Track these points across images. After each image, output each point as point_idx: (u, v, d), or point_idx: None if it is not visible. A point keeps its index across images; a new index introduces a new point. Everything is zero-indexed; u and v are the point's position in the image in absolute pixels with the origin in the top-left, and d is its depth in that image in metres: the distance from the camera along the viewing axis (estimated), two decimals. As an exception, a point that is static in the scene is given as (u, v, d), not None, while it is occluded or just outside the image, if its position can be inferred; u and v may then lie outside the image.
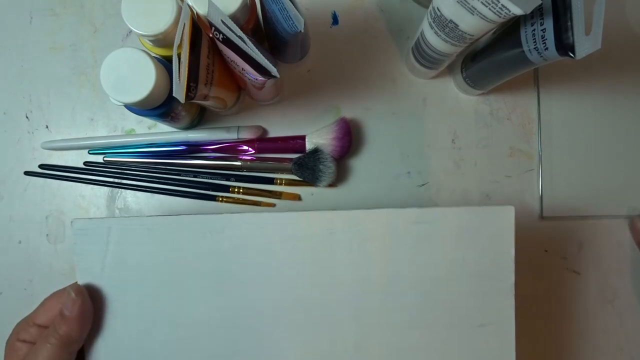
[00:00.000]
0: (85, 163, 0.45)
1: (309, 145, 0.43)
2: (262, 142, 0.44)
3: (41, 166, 0.45)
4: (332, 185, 0.44)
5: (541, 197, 0.44)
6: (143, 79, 0.33)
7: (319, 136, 0.43)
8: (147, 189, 0.44)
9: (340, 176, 0.44)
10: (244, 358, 0.35)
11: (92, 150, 0.45)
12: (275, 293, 0.35)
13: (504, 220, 0.34)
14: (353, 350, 0.35)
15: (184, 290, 0.35)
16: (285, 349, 0.35)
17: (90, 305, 0.34)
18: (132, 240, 0.35)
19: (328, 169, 0.42)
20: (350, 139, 0.43)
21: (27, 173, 0.45)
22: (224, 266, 0.35)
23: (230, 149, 0.44)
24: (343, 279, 0.35)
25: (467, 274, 0.35)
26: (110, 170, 0.45)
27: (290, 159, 0.43)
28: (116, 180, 0.45)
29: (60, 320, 0.32)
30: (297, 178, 0.43)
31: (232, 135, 0.43)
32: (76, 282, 0.34)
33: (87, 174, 0.45)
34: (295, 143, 0.44)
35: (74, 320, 0.32)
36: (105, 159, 0.45)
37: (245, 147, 0.44)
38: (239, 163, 0.44)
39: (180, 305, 0.35)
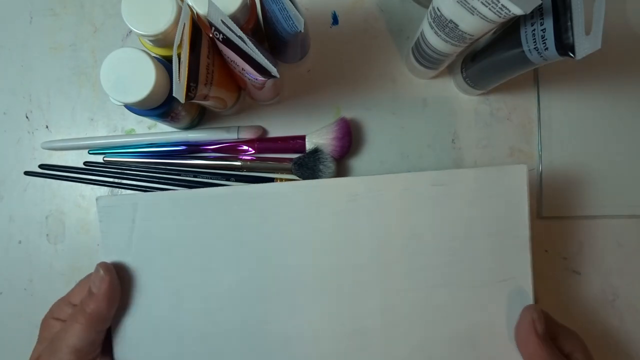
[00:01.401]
0: (85, 163, 0.45)
1: (309, 145, 0.43)
2: (262, 142, 0.44)
3: (41, 166, 0.45)
4: None
5: (541, 197, 0.44)
6: (143, 79, 0.33)
7: (319, 136, 0.43)
8: (147, 189, 0.44)
9: (340, 176, 0.44)
10: (272, 326, 0.35)
11: (92, 150, 0.45)
12: (301, 260, 0.36)
13: (517, 178, 0.36)
14: (379, 312, 0.36)
15: (210, 262, 0.36)
16: (312, 315, 0.36)
17: (118, 282, 0.34)
18: (158, 215, 0.35)
19: (328, 168, 0.42)
20: (350, 139, 0.43)
21: (27, 173, 0.45)
22: (250, 237, 0.36)
23: (230, 149, 0.44)
24: (366, 243, 0.36)
25: (485, 231, 0.36)
26: (110, 170, 0.45)
27: (290, 159, 0.43)
28: (116, 180, 0.45)
29: (88, 298, 0.33)
30: (297, 178, 0.43)
31: (232, 135, 0.43)
32: (104, 261, 0.34)
33: (87, 174, 0.45)
34: (295, 143, 0.44)
35: (101, 297, 0.32)
36: (105, 159, 0.45)
37: (245, 147, 0.44)
38: (239, 163, 0.44)
39: (208, 278, 0.36)
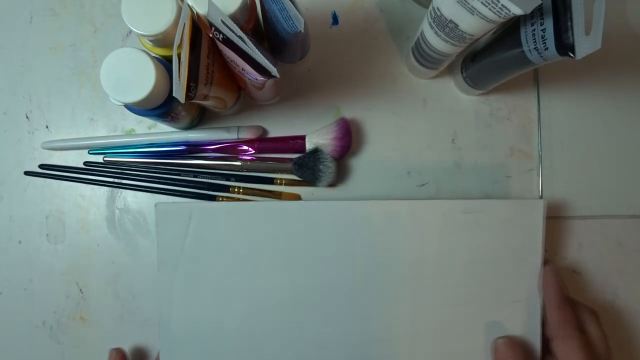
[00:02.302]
0: (85, 163, 0.45)
1: (309, 145, 0.43)
2: (262, 142, 0.44)
3: (41, 166, 0.45)
4: (332, 185, 0.44)
5: (541, 197, 0.44)
6: (143, 79, 0.32)
7: (319, 136, 0.43)
8: (147, 189, 0.44)
9: (340, 176, 0.44)
10: (310, 331, 0.39)
11: (92, 150, 0.45)
12: (340, 272, 0.39)
13: (536, 212, 0.40)
14: (407, 324, 0.39)
15: (256, 269, 0.39)
16: (347, 324, 0.39)
17: None
18: (211, 222, 0.39)
19: (328, 169, 0.42)
20: (350, 138, 0.43)
21: (27, 173, 0.45)
22: (295, 248, 0.39)
23: (230, 149, 0.44)
24: (402, 260, 0.40)
25: (504, 257, 0.40)
26: (110, 170, 0.45)
27: (290, 159, 0.43)
28: (116, 180, 0.45)
29: None
30: (297, 178, 0.43)
31: (232, 135, 0.43)
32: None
33: (87, 174, 0.45)
34: (295, 143, 0.44)
35: None
36: (105, 159, 0.45)
37: (245, 147, 0.44)
38: (238, 163, 0.44)
39: (253, 283, 0.39)
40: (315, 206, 0.40)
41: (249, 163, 0.44)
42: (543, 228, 0.40)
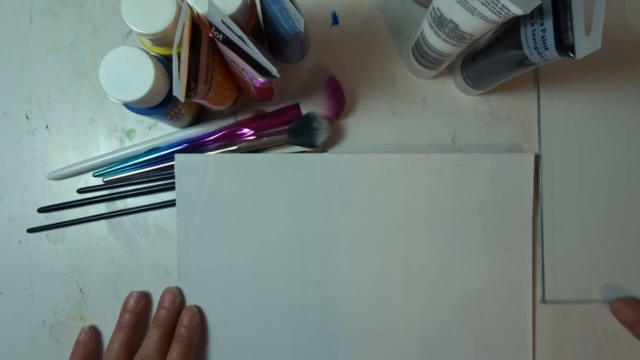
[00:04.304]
0: (78, 191, 0.45)
1: (305, 112, 0.43)
2: (259, 120, 0.44)
3: (40, 210, 0.45)
4: (328, 144, 0.44)
5: (541, 196, 0.44)
6: (142, 77, 0.32)
7: (312, 100, 0.43)
8: (151, 189, 0.44)
9: (333, 137, 0.44)
10: (312, 273, 0.42)
11: (97, 172, 0.45)
12: (339, 220, 0.42)
13: (526, 164, 0.43)
14: (402, 268, 0.43)
15: (265, 217, 0.42)
16: (345, 264, 0.42)
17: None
18: (226, 173, 0.42)
19: (321, 125, 0.42)
20: (342, 95, 0.43)
21: (30, 230, 0.45)
22: (299, 197, 0.42)
23: (231, 136, 0.44)
24: (396, 210, 0.43)
25: (495, 207, 0.43)
26: (109, 187, 0.45)
27: (285, 130, 0.44)
28: (117, 192, 0.45)
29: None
30: (299, 148, 0.44)
31: (229, 121, 0.44)
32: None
33: (87, 202, 0.45)
34: (292, 113, 0.44)
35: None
36: (105, 180, 0.44)
37: (245, 130, 0.44)
38: (235, 147, 0.44)
39: (262, 229, 0.42)
40: (318, 159, 0.43)
41: (244, 144, 0.44)
42: (533, 180, 0.43)
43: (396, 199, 0.42)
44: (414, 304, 0.42)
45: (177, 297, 0.42)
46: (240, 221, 0.42)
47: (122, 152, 0.44)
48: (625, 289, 0.44)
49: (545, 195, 0.44)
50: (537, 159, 0.44)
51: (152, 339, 0.39)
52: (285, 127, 0.44)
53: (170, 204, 0.44)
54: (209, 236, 0.42)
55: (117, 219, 0.45)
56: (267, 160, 0.43)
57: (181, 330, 0.40)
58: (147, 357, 0.38)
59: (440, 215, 0.42)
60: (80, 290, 0.45)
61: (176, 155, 0.42)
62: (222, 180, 0.42)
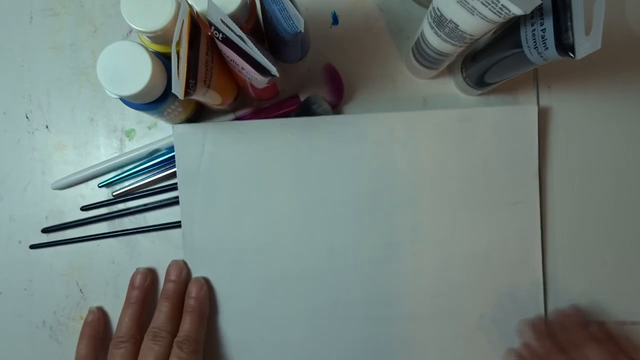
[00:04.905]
0: (82, 208, 0.45)
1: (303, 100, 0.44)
2: (258, 114, 0.44)
3: (45, 230, 0.45)
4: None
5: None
6: (139, 72, 0.32)
7: (311, 91, 0.43)
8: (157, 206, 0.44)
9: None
10: (319, 238, 0.42)
11: (102, 182, 0.45)
12: (344, 183, 0.42)
13: (529, 117, 0.42)
14: (409, 229, 0.42)
15: (269, 184, 0.42)
16: (353, 231, 0.42)
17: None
18: (225, 141, 0.42)
19: (321, 104, 0.42)
20: (340, 80, 0.43)
21: (33, 246, 0.45)
22: (302, 162, 0.42)
23: None
24: (401, 169, 0.42)
25: (501, 162, 0.42)
26: (114, 201, 0.45)
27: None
28: (125, 209, 0.45)
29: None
30: None
31: (229, 118, 0.44)
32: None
33: (93, 221, 0.45)
34: (292, 102, 0.44)
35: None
36: (114, 194, 0.44)
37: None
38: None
39: (266, 197, 0.42)
40: (319, 120, 0.42)
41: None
42: (537, 132, 0.42)
43: (400, 159, 0.42)
44: (423, 265, 0.42)
45: (183, 270, 0.42)
46: (243, 190, 0.42)
47: (125, 157, 0.44)
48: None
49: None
50: (544, 112, 0.44)
51: (162, 312, 0.39)
52: (287, 117, 0.44)
53: (172, 202, 0.44)
54: (212, 207, 0.42)
55: (117, 219, 0.45)
56: (267, 125, 0.42)
57: (190, 302, 0.40)
58: (160, 330, 0.38)
59: (445, 174, 0.42)
60: (80, 290, 0.45)
61: (174, 126, 0.41)
62: (222, 148, 0.41)
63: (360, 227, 0.42)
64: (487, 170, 0.42)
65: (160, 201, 0.44)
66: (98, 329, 0.42)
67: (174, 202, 0.44)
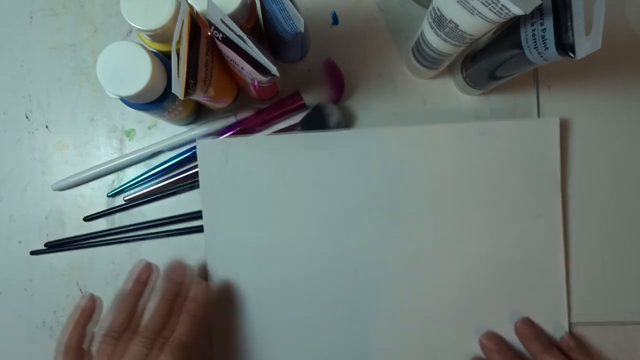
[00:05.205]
0: (85, 219, 0.45)
1: (305, 98, 0.43)
2: (260, 114, 0.44)
3: (48, 244, 0.45)
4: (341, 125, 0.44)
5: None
6: (139, 72, 0.32)
7: (312, 87, 0.43)
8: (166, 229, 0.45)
9: (347, 120, 0.45)
10: (342, 250, 0.42)
11: (110, 192, 0.45)
12: (366, 196, 0.42)
13: (551, 129, 0.42)
14: (432, 242, 0.42)
15: (291, 196, 0.42)
16: (375, 243, 0.42)
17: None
18: (247, 155, 0.42)
19: (331, 110, 0.43)
20: (340, 75, 0.43)
21: (33, 253, 0.45)
22: (321, 175, 0.42)
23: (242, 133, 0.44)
24: (422, 183, 0.42)
25: (523, 175, 0.42)
26: (117, 209, 0.45)
27: (295, 125, 0.44)
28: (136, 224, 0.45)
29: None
30: None
31: (230, 121, 0.44)
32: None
33: (100, 235, 0.45)
34: (293, 101, 0.44)
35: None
36: (125, 198, 0.45)
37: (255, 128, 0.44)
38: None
39: (287, 208, 0.43)
40: (340, 135, 0.42)
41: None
42: (559, 145, 0.42)
43: (421, 173, 0.42)
44: (446, 278, 0.42)
45: (187, 273, 0.40)
46: (266, 202, 0.42)
47: (126, 159, 0.44)
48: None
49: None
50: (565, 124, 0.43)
51: (159, 312, 0.37)
52: (296, 123, 0.44)
53: (194, 230, 0.45)
54: (234, 218, 0.42)
55: (116, 216, 0.45)
56: (288, 140, 0.43)
57: (193, 305, 0.39)
58: (153, 332, 0.36)
59: (467, 187, 0.42)
60: (80, 290, 0.45)
61: (198, 141, 0.42)
62: (244, 162, 0.42)
63: (382, 239, 0.42)
64: (510, 183, 0.42)
65: (179, 226, 0.45)
66: (90, 317, 0.38)
67: (197, 230, 0.44)
